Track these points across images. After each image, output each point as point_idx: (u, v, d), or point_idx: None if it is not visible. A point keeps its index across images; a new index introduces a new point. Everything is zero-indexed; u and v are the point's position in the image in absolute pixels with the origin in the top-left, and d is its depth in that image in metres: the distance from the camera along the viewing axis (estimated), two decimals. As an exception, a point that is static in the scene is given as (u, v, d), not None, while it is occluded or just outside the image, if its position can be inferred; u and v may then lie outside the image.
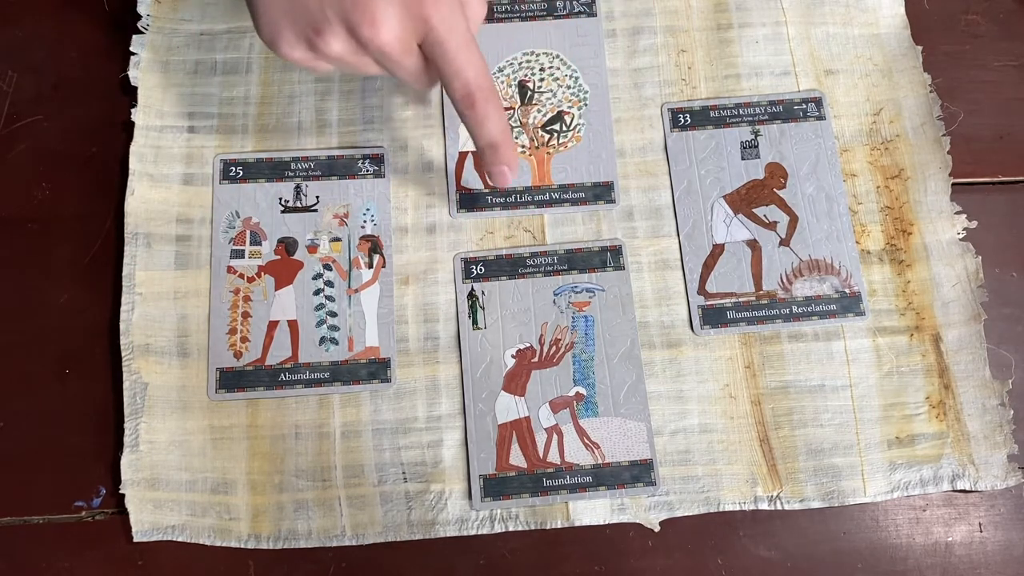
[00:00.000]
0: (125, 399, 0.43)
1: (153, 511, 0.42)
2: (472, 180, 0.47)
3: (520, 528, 0.42)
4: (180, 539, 0.42)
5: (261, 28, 0.36)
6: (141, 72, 0.48)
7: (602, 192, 0.47)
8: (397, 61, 0.36)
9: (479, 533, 0.42)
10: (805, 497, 0.43)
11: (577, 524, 0.42)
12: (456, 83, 0.37)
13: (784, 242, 0.46)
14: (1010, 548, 0.43)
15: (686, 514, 0.42)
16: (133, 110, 0.47)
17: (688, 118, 0.48)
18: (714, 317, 0.45)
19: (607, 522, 0.42)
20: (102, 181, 0.47)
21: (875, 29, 0.50)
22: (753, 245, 0.46)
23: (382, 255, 0.46)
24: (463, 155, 0.48)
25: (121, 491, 0.42)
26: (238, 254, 0.46)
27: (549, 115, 0.48)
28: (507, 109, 0.48)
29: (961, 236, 0.46)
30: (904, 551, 0.43)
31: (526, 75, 0.49)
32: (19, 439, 0.44)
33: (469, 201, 0.47)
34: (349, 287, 0.45)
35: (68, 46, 0.49)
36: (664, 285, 0.46)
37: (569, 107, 0.48)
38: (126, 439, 0.43)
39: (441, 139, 0.48)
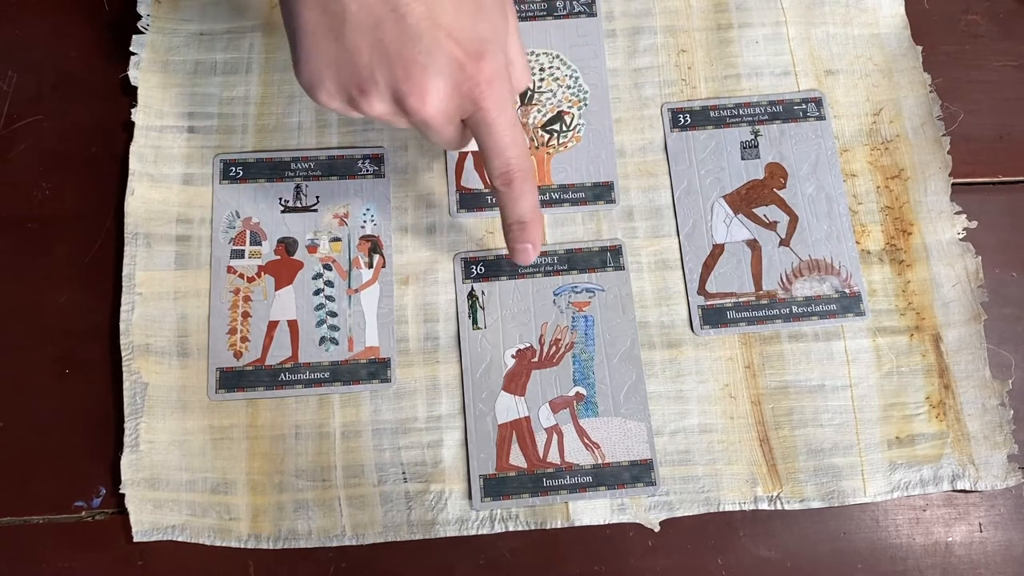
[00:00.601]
0: (125, 399, 0.43)
1: (153, 511, 0.42)
2: (472, 180, 0.47)
3: (520, 528, 0.42)
4: (180, 539, 0.42)
5: (301, 72, 0.35)
6: (141, 72, 0.48)
7: (602, 192, 0.47)
8: (436, 131, 0.35)
9: (479, 533, 0.42)
10: (805, 497, 0.43)
11: (577, 524, 0.42)
12: (497, 162, 0.36)
13: (784, 242, 0.46)
14: (1010, 548, 0.43)
15: (686, 514, 0.42)
16: (133, 110, 0.47)
17: (688, 118, 0.48)
18: (714, 317, 0.45)
19: (607, 522, 0.42)
20: (102, 181, 0.47)
21: (875, 29, 0.50)
22: (753, 245, 0.46)
23: (382, 255, 0.46)
24: (463, 155, 0.47)
25: (121, 491, 0.42)
26: (238, 254, 0.46)
27: (549, 115, 0.48)
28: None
29: (961, 236, 0.46)
30: (904, 551, 0.43)
31: (526, 75, 0.49)
32: (19, 439, 0.44)
33: (469, 201, 0.47)
34: (349, 287, 0.45)
35: (68, 46, 0.49)
36: (664, 285, 0.46)
37: (569, 107, 0.48)
38: (126, 439, 0.43)
39: (441, 139, 0.48)
